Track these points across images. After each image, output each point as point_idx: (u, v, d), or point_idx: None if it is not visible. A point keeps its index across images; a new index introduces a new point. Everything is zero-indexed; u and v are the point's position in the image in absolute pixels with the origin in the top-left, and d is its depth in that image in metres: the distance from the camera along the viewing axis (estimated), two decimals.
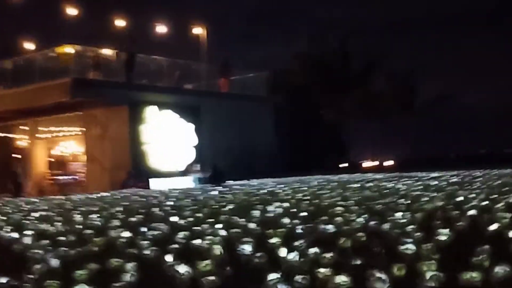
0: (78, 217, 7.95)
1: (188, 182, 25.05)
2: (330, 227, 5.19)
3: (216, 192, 12.94)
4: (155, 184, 24.36)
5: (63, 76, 23.37)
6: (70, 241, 5.42)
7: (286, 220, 5.89)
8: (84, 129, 25.84)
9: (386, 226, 5.11)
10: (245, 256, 3.97)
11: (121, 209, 9.20)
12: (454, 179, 13.47)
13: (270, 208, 7.52)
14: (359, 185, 12.91)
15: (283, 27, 66.74)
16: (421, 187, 11.12)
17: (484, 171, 17.10)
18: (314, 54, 38.34)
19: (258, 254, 3.94)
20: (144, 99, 25.05)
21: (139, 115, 24.72)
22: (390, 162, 34.87)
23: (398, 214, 5.90)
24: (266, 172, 26.83)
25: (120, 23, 28.70)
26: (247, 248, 4.04)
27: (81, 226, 6.75)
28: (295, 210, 7.29)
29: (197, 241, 4.71)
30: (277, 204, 8.19)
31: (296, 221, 5.89)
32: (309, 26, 60.48)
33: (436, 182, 12.44)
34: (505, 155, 34.99)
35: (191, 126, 26.64)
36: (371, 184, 13.30)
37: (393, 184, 12.43)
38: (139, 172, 23.84)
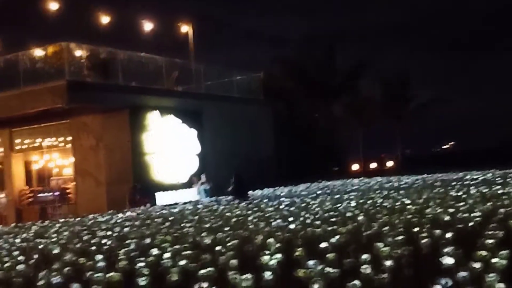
0: None
1: (193, 195, 22.65)
2: None
3: None
4: (160, 198, 21.84)
5: (54, 78, 20.25)
6: None
7: None
8: (71, 138, 22.86)
9: None
10: None
11: None
12: None
13: None
14: None
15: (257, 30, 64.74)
16: None
17: None
18: (298, 59, 36.52)
19: None
20: (144, 103, 22.27)
21: (141, 121, 21.93)
22: (390, 164, 33.45)
23: None
24: (269, 179, 24.70)
25: (105, 19, 25.62)
26: None
27: None
28: None
29: None
30: None
31: None
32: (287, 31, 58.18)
33: None
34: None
35: (194, 132, 24.06)
36: None
37: None
38: (144, 186, 21.08)
